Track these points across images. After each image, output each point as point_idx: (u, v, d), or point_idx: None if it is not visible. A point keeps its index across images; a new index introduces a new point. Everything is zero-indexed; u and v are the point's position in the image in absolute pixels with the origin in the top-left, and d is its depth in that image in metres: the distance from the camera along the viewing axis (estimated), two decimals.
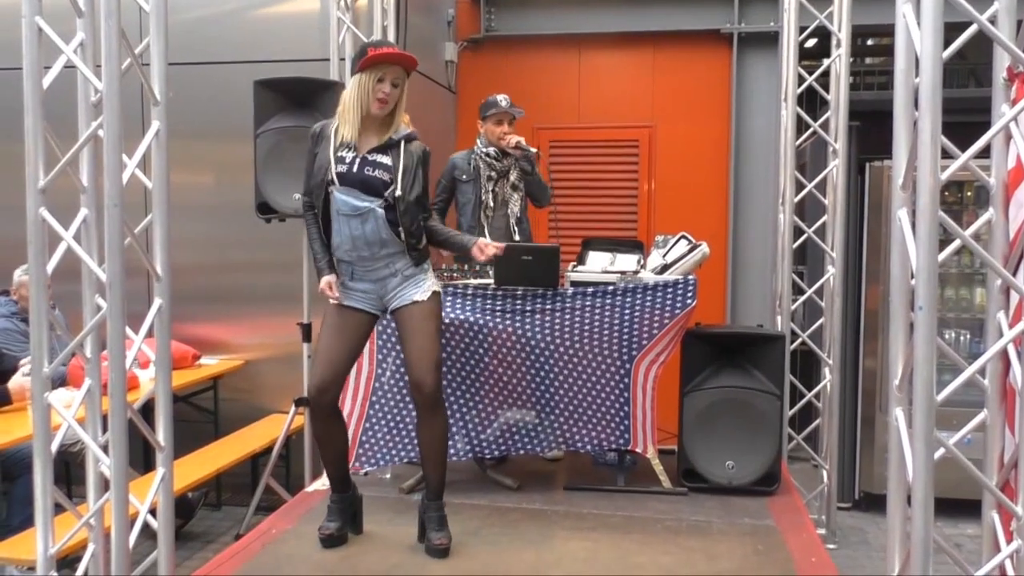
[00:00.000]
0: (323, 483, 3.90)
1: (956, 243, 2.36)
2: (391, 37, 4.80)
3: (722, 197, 5.99)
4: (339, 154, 3.09)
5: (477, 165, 4.28)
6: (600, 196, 6.06)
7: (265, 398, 5.23)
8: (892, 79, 5.95)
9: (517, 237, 4.26)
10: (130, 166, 2.61)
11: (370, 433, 3.84)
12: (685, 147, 5.99)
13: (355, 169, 3.08)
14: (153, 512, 2.82)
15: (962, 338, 5.04)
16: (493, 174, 4.27)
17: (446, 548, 3.11)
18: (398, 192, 3.06)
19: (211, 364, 5.13)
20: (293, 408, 4.61)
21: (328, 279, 3.21)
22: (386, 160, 3.09)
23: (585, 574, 3.00)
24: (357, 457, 3.85)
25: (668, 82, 5.99)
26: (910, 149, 2.32)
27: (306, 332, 4.60)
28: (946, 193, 5.10)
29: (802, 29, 4.48)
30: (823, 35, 4.56)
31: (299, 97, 4.29)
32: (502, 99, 4.26)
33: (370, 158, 3.09)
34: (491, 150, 4.27)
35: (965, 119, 2.83)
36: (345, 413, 3.83)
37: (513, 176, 4.28)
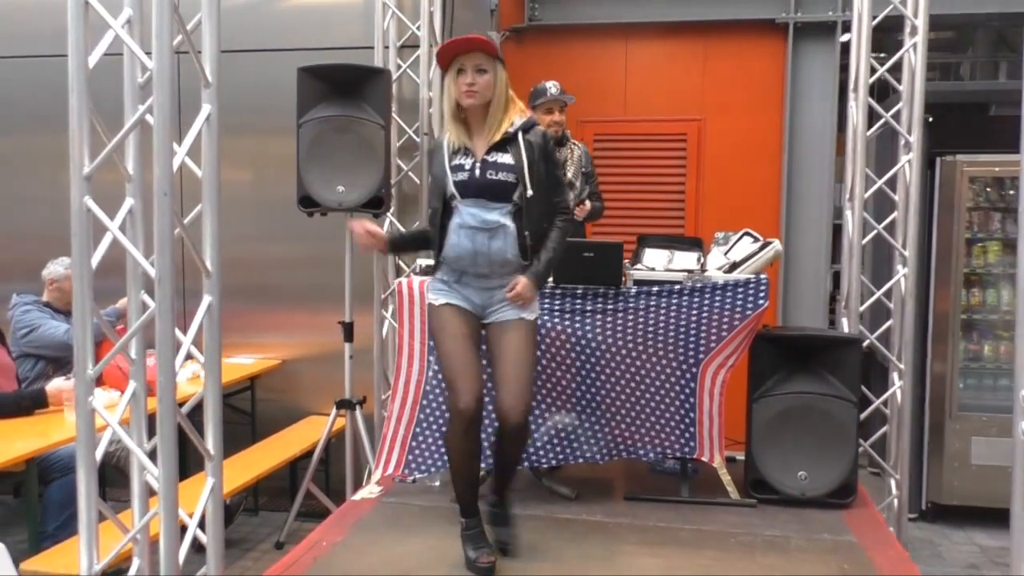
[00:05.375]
0: (370, 491, 3.73)
1: None
2: (436, 24, 4.61)
3: (774, 194, 5.74)
4: (455, 163, 2.87)
5: None
6: (646, 191, 5.83)
7: (302, 399, 5.06)
8: (949, 73, 5.67)
9: None
10: (180, 153, 2.43)
11: (420, 439, 3.65)
12: (736, 141, 5.74)
13: (477, 175, 2.84)
14: (199, 523, 2.64)
15: None
16: None
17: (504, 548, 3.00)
18: (528, 192, 2.81)
19: (247, 363, 4.95)
20: (334, 410, 4.42)
21: (372, 227, 3.00)
22: (507, 159, 2.84)
23: None
24: (407, 464, 3.66)
25: (719, 74, 5.74)
26: None
27: (348, 331, 4.42)
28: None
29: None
30: (879, 28, 4.29)
31: (344, 85, 4.11)
32: (551, 86, 4.06)
33: (490, 159, 2.85)
34: None
35: None
36: (393, 418, 3.67)
37: (570, 172, 4.07)
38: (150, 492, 2.66)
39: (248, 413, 4.94)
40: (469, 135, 2.89)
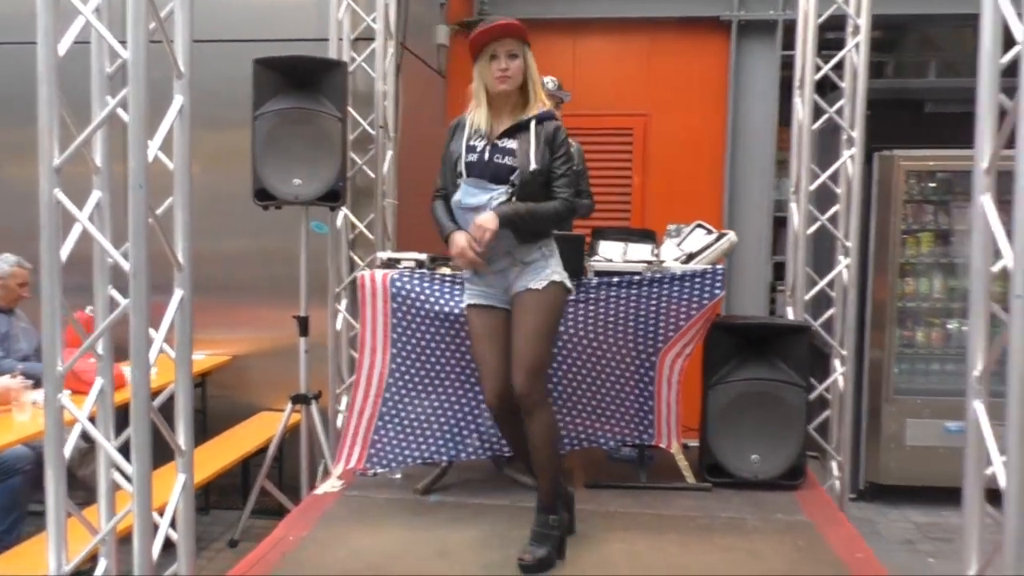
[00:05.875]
0: (332, 485, 3.71)
1: None
2: (391, 16, 4.59)
3: (717, 187, 5.90)
4: (470, 143, 2.91)
5: None
6: (593, 185, 5.90)
7: (254, 395, 4.99)
8: (876, 72, 5.86)
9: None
10: (152, 146, 2.38)
11: (382, 432, 3.65)
12: (680, 136, 5.89)
13: (485, 157, 2.88)
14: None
15: (965, 328, 5.02)
16: None
17: (525, 565, 2.83)
18: (532, 166, 2.83)
19: (197, 360, 4.84)
20: (289, 405, 4.37)
21: (460, 234, 2.88)
22: (512, 144, 2.88)
23: None
24: (368, 458, 3.67)
25: (664, 70, 5.87)
26: (997, 132, 2.23)
27: (303, 325, 4.37)
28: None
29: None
30: (822, 27, 4.43)
31: (301, 77, 4.07)
32: (549, 81, 4.11)
33: (499, 144, 2.89)
34: None
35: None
36: (355, 411, 3.66)
37: None
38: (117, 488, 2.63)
39: (199, 410, 4.84)
40: (492, 119, 2.92)
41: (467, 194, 2.89)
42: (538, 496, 2.97)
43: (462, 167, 2.90)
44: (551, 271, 2.91)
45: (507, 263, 2.91)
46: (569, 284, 2.98)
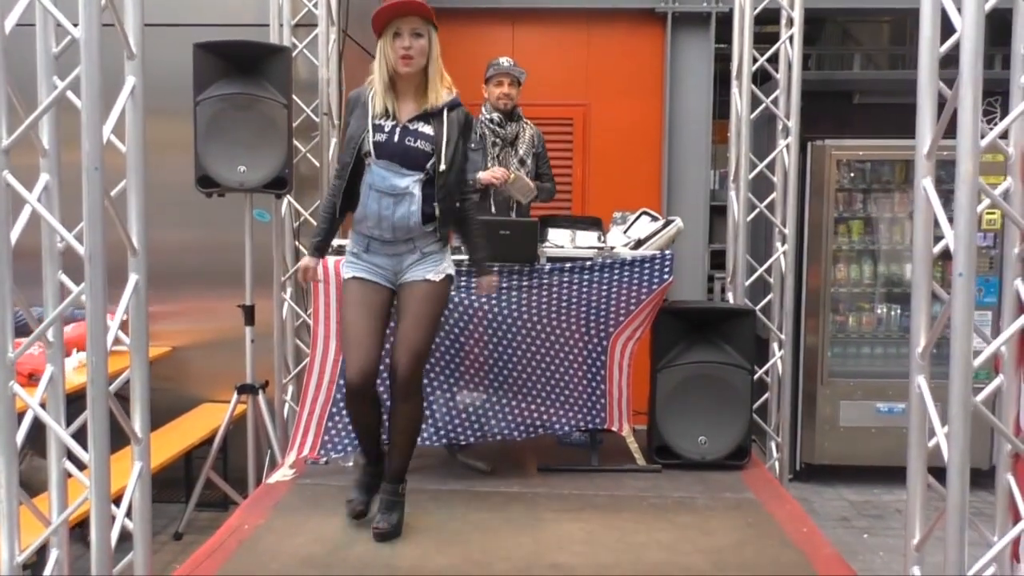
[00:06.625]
0: (283, 474, 3.67)
1: (986, 202, 2.36)
2: (334, 4, 4.54)
3: (655, 177, 5.99)
4: (376, 122, 2.87)
5: (482, 132, 4.12)
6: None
7: (195, 387, 4.87)
8: (809, 62, 6.02)
9: (513, 215, 4.13)
10: (106, 129, 2.32)
11: (336, 419, 3.64)
12: (619, 126, 5.96)
13: (395, 139, 2.86)
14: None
15: (893, 312, 5.24)
16: (497, 140, 4.14)
17: (382, 533, 2.94)
18: (441, 166, 2.87)
19: None
20: (235, 395, 4.31)
21: (307, 263, 3.11)
22: (428, 130, 2.88)
23: (590, 556, 2.91)
24: (322, 445, 3.65)
25: (602, 60, 5.93)
26: (939, 119, 2.33)
27: (248, 314, 4.30)
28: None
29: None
30: (758, 19, 4.55)
31: (243, 62, 4.00)
32: (504, 60, 4.16)
33: (411, 127, 2.88)
34: (495, 116, 4.17)
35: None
36: (308, 399, 3.64)
37: (522, 149, 4.16)
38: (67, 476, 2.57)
39: None
40: (396, 101, 2.90)
41: (380, 177, 2.88)
42: (390, 471, 3.05)
43: (369, 147, 2.87)
44: (447, 265, 3.02)
45: (406, 249, 2.95)
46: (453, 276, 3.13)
